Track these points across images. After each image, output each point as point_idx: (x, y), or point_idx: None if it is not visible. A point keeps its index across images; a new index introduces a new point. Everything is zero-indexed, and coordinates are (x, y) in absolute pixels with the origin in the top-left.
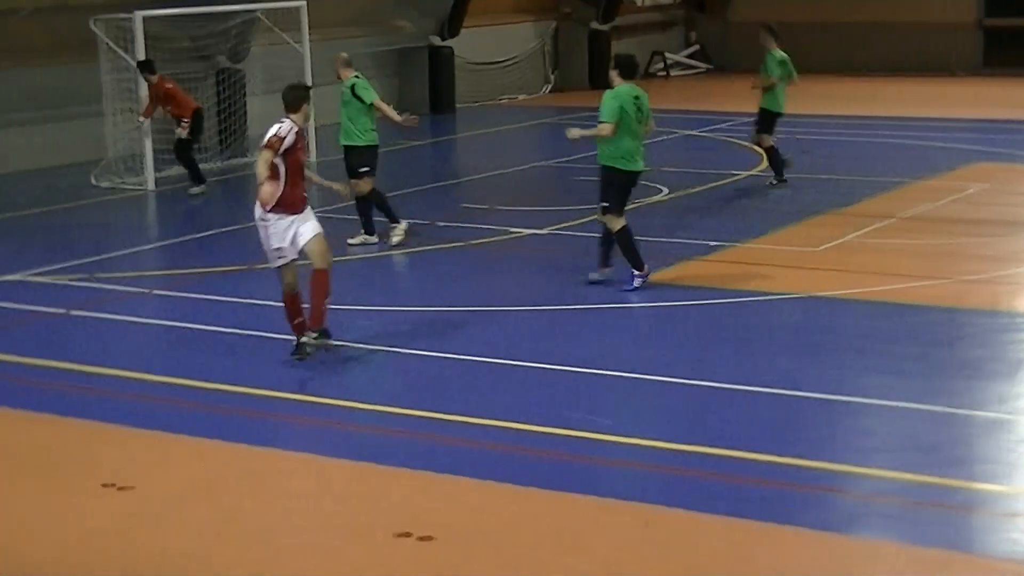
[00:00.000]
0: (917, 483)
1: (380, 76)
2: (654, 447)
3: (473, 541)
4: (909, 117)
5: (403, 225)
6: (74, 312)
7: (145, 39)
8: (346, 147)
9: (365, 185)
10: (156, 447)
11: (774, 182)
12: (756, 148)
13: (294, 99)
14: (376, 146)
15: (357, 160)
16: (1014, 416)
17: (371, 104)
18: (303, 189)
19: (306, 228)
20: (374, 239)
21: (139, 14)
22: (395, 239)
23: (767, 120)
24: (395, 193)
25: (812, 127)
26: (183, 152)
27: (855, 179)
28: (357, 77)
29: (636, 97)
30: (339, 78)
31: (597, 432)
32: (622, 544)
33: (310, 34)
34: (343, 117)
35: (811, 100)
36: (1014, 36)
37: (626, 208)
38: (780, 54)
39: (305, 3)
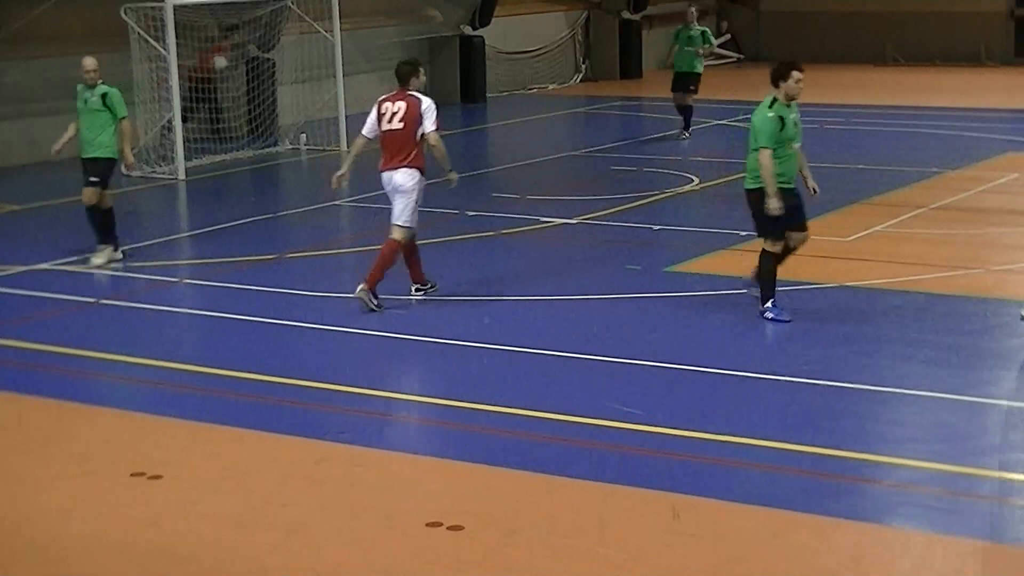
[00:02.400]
0: (949, 472)
1: None
2: (684, 436)
3: (502, 531)
4: (940, 107)
5: (107, 252)
6: (104, 301)
7: (175, 27)
8: (87, 158)
9: (92, 195)
10: (186, 436)
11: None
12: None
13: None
14: (115, 160)
15: (93, 170)
16: None
17: (122, 118)
18: None
19: None
20: (118, 254)
21: (170, 2)
22: (96, 260)
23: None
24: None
25: (842, 116)
26: None
27: (886, 169)
28: (109, 87)
29: None
30: (87, 84)
31: (628, 422)
32: (653, 534)
33: (341, 23)
34: (84, 127)
35: (842, 90)
36: None
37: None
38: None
39: None
